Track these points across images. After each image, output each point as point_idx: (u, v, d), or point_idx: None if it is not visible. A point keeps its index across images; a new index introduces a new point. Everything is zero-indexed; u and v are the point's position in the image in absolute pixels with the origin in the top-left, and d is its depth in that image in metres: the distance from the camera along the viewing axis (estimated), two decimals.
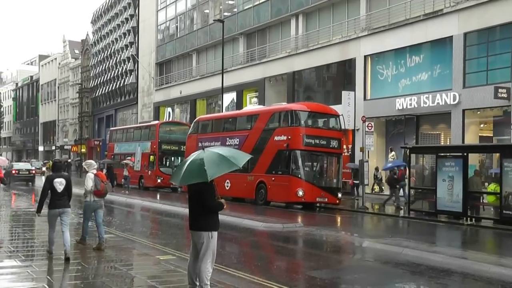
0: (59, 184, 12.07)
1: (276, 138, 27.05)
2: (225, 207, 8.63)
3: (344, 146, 31.12)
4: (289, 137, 26.28)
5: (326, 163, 27.52)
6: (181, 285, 9.59)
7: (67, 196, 12.25)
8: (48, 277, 10.41)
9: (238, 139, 29.52)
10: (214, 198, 8.51)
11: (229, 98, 47.05)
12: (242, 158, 8.74)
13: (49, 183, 12.07)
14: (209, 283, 8.47)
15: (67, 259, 11.77)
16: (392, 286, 11.31)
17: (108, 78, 79.16)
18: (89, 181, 13.19)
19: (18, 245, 14.47)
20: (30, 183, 45.52)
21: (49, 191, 12.11)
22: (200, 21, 55.05)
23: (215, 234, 8.55)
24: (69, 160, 71.30)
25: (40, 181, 39.29)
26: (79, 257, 12.74)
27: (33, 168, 49.98)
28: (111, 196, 33.58)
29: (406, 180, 26.46)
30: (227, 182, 29.26)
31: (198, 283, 8.54)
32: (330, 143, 26.79)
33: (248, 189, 28.29)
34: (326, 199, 26.65)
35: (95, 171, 13.49)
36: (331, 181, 27.27)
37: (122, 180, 39.28)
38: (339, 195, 27.02)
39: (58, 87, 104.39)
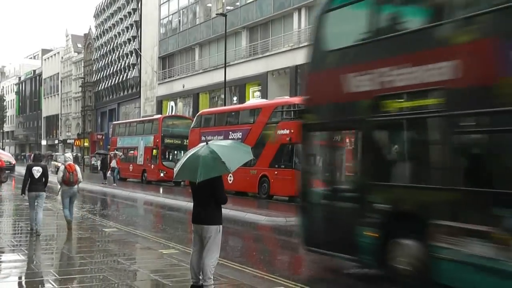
0: (36, 171, 14.53)
1: (279, 132, 27.04)
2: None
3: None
4: (292, 131, 26.25)
5: None
6: (184, 279, 9.61)
7: (43, 182, 14.76)
8: (51, 271, 10.44)
9: (241, 133, 29.51)
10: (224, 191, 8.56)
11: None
12: (247, 148, 8.87)
13: (28, 171, 14.60)
14: (212, 277, 8.47)
15: (38, 235, 14.34)
16: None
17: (110, 72, 79.09)
18: (60, 173, 15.04)
19: (21, 239, 14.51)
20: (11, 171, 48.02)
21: (29, 177, 14.61)
22: (202, 15, 54.96)
23: (221, 227, 8.57)
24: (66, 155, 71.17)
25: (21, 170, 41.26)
26: (83, 251, 12.77)
27: (14, 160, 55.60)
28: (113, 189, 33.76)
29: None
30: (230, 176, 29.27)
31: (201, 277, 8.55)
32: None
33: (251, 183, 28.31)
34: None
35: (68, 163, 15.29)
36: None
37: (109, 172, 38.92)
38: None
39: (61, 81, 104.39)
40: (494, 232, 7.54)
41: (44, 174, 14.74)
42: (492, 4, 8.15)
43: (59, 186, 15.33)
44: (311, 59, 11.52)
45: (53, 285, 9.38)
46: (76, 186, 15.28)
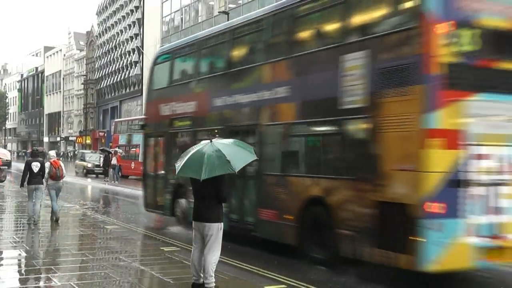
0: (35, 166, 15.99)
1: None
2: None
3: None
4: None
5: None
6: (185, 277, 9.62)
7: (41, 176, 16.14)
8: (53, 267, 10.46)
9: None
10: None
11: None
12: (250, 148, 8.83)
13: (28, 166, 16.08)
14: (213, 274, 8.48)
15: (35, 224, 15.76)
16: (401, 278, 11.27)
17: (113, 69, 79.17)
18: (46, 169, 16.37)
19: (23, 235, 14.53)
20: (7, 166, 48.20)
21: (28, 172, 16.03)
22: (205, 13, 54.96)
23: (222, 225, 8.58)
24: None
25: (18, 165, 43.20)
26: (84, 248, 12.80)
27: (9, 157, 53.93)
28: (115, 187, 33.74)
29: None
30: None
31: (202, 275, 8.56)
32: None
33: None
34: None
35: (53, 160, 16.77)
36: None
37: (111, 169, 38.65)
38: None
39: (63, 79, 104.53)
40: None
41: (42, 169, 16.11)
42: (206, 72, 15.61)
43: (45, 183, 16.47)
44: (146, 92, 19.17)
45: (55, 282, 9.40)
46: (61, 180, 16.82)
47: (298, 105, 11.73)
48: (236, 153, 8.27)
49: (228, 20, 40.53)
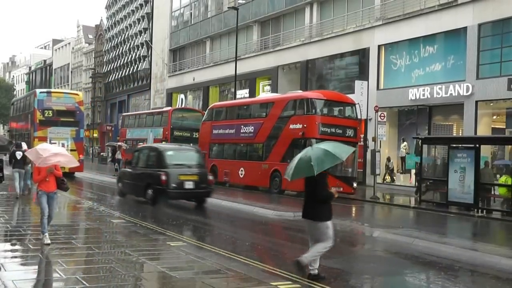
0: (18, 155, 21.25)
1: (291, 126, 26.80)
2: (335, 196, 9.63)
3: None
4: (305, 125, 25.99)
5: None
6: (191, 271, 9.64)
7: (23, 162, 21.26)
8: (59, 260, 10.48)
9: (252, 127, 29.38)
10: (326, 189, 9.52)
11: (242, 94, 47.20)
12: (346, 151, 9.82)
13: (13, 154, 21.58)
14: (308, 260, 9.55)
15: (17, 198, 20.59)
16: (402, 276, 11.31)
17: (121, 63, 79.18)
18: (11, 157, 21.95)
19: (29, 229, 14.56)
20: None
21: (13, 159, 21.31)
22: (214, 8, 54.91)
23: (329, 223, 9.51)
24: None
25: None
26: (90, 242, 12.83)
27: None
28: None
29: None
30: (241, 170, 29.21)
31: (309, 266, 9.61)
32: (346, 131, 26.45)
33: (263, 177, 28.08)
34: (341, 189, 26.15)
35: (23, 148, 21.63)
36: (347, 170, 26.91)
37: (115, 164, 38.87)
38: (355, 184, 26.82)
39: (71, 72, 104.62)
40: None
41: (24, 157, 20.69)
42: (18, 112, 43.00)
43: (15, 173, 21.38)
44: (10, 116, 52.76)
45: (60, 275, 9.43)
46: (27, 166, 21.24)
47: (31, 126, 34.73)
48: (320, 158, 9.19)
49: (237, 16, 40.71)
